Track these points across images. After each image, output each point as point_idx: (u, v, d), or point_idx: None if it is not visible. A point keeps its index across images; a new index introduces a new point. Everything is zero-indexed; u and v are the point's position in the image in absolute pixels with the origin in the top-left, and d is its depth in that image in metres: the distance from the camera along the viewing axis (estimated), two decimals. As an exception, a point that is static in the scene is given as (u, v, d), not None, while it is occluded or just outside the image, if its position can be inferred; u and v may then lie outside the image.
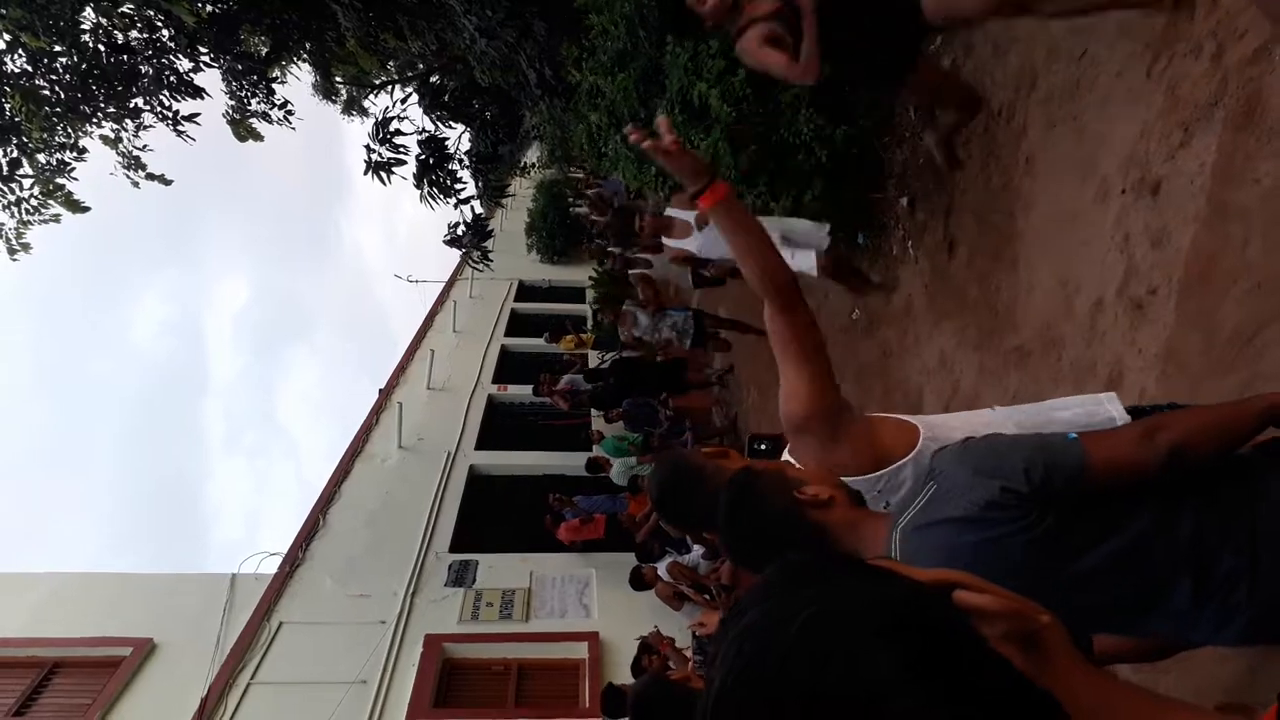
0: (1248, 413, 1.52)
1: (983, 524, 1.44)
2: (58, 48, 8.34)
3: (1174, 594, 1.44)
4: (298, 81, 13.09)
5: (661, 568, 8.02)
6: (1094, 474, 1.43)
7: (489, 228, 11.65)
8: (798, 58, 3.45)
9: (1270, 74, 2.80)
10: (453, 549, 9.65)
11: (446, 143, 11.06)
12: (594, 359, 13.44)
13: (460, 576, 9.10)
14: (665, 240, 6.32)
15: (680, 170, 1.93)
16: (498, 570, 9.18)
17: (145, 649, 7.96)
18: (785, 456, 2.04)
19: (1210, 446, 1.47)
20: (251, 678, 7.75)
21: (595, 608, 8.68)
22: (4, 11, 7.42)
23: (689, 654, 6.85)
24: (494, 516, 10.63)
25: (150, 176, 9.76)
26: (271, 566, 9.17)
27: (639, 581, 7.96)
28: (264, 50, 10.65)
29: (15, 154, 8.71)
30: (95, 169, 9.71)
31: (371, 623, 8.42)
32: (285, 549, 9.46)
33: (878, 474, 1.91)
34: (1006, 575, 1.42)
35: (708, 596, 7.78)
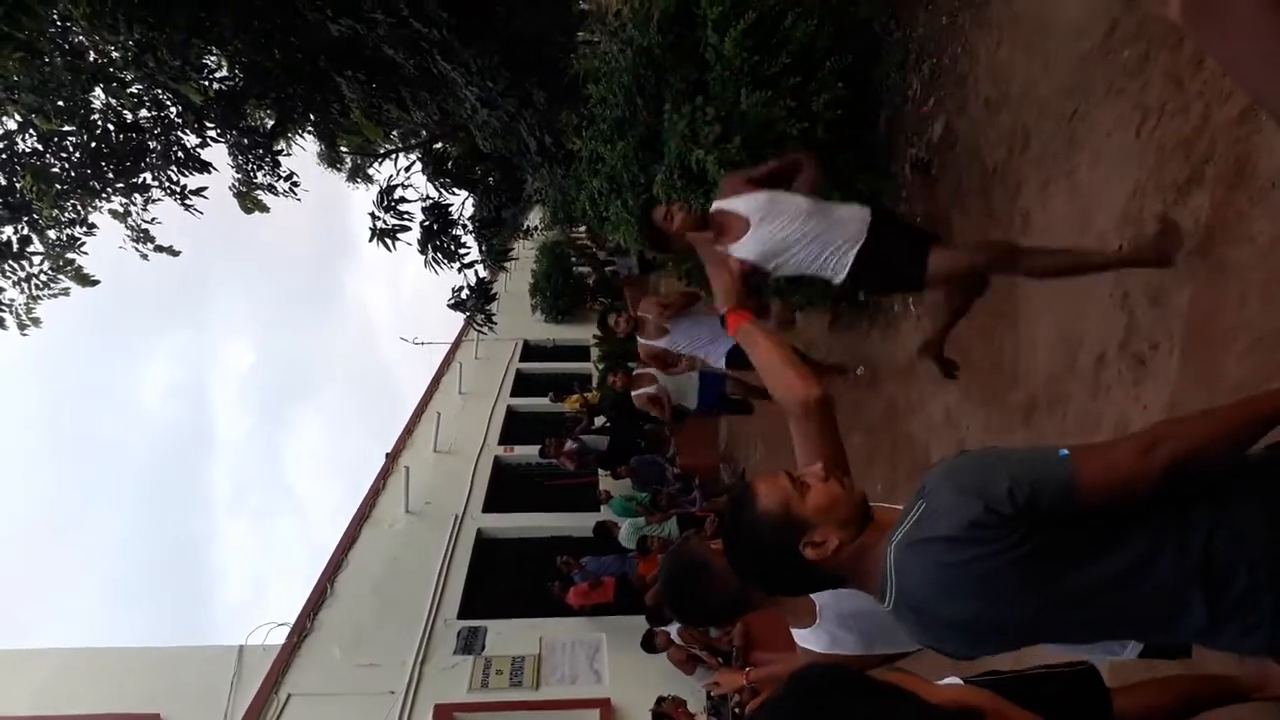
0: (1257, 414, 1.43)
1: (968, 544, 1.41)
2: (68, 128, 8.52)
3: (1188, 614, 1.39)
4: (303, 151, 13.31)
5: (673, 630, 7.93)
6: (1084, 494, 1.38)
7: (492, 290, 11.75)
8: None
9: (1258, 134, 2.85)
10: (461, 615, 9.55)
11: (450, 208, 11.21)
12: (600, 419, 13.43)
13: (469, 644, 8.99)
14: (639, 339, 6.57)
15: (722, 288, 2.13)
16: (507, 636, 9.07)
17: (151, 725, 7.86)
18: None
19: (1215, 456, 1.40)
20: (259, 753, 7.63)
21: (606, 673, 8.56)
22: (16, 96, 7.60)
23: (703, 717, 6.74)
24: (502, 581, 10.53)
25: (159, 249, 9.89)
26: (279, 637, 9.09)
27: (651, 645, 7.87)
28: (269, 123, 10.86)
29: (26, 231, 8.84)
30: (104, 242, 9.86)
31: (380, 693, 8.31)
32: (292, 618, 9.37)
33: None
34: (996, 594, 1.44)
35: (720, 659, 7.68)
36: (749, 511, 1.67)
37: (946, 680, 2.49)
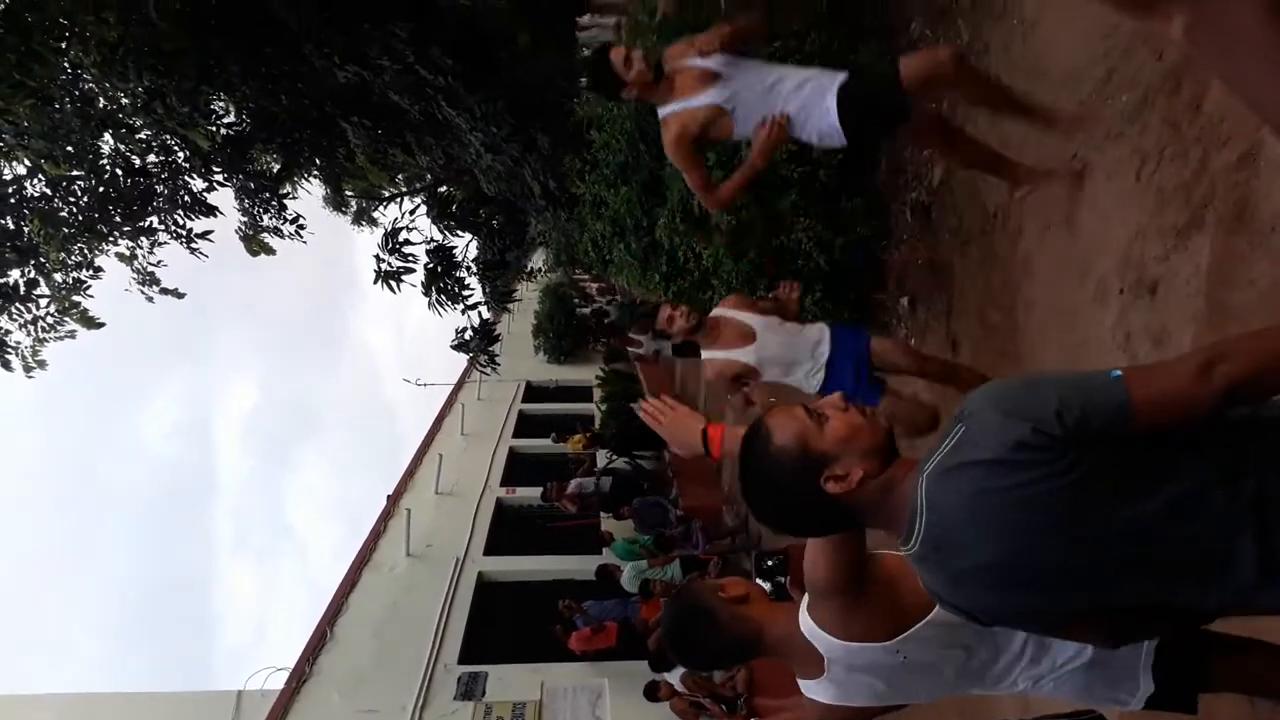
0: None
1: (1012, 466, 1.32)
2: (76, 172, 8.62)
3: (1236, 565, 1.30)
4: (308, 195, 13.46)
5: (676, 678, 7.83)
6: (1138, 416, 1.28)
7: (495, 332, 11.79)
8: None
9: (1256, 179, 2.87)
10: (461, 660, 9.45)
11: (454, 250, 11.30)
12: (601, 458, 13.41)
13: (470, 689, 8.88)
14: (705, 352, 6.60)
15: (675, 439, 2.06)
16: (508, 682, 8.97)
17: (148, 773, 7.75)
18: (803, 610, 2.02)
19: (1277, 380, 1.29)
20: (257, 801, 7.52)
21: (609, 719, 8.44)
22: (26, 142, 7.70)
23: None
24: (503, 625, 10.44)
25: (164, 291, 9.96)
26: (278, 682, 9.00)
27: (654, 695, 7.77)
28: (275, 168, 10.98)
29: (33, 274, 8.91)
30: (110, 284, 9.92)
31: (380, 740, 8.21)
32: (292, 663, 9.28)
33: (896, 640, 1.91)
34: (1041, 523, 1.34)
35: (723, 707, 7.57)
36: (763, 449, 1.58)
37: None
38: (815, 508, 1.56)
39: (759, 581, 3.46)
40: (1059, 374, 1.45)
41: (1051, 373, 1.48)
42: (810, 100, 3.45)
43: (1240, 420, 1.35)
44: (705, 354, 4.03)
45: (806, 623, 1.99)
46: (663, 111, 3.60)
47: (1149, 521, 1.32)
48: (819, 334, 4.05)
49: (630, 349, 8.86)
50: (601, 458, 13.39)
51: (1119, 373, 1.32)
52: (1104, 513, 1.33)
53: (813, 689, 2.04)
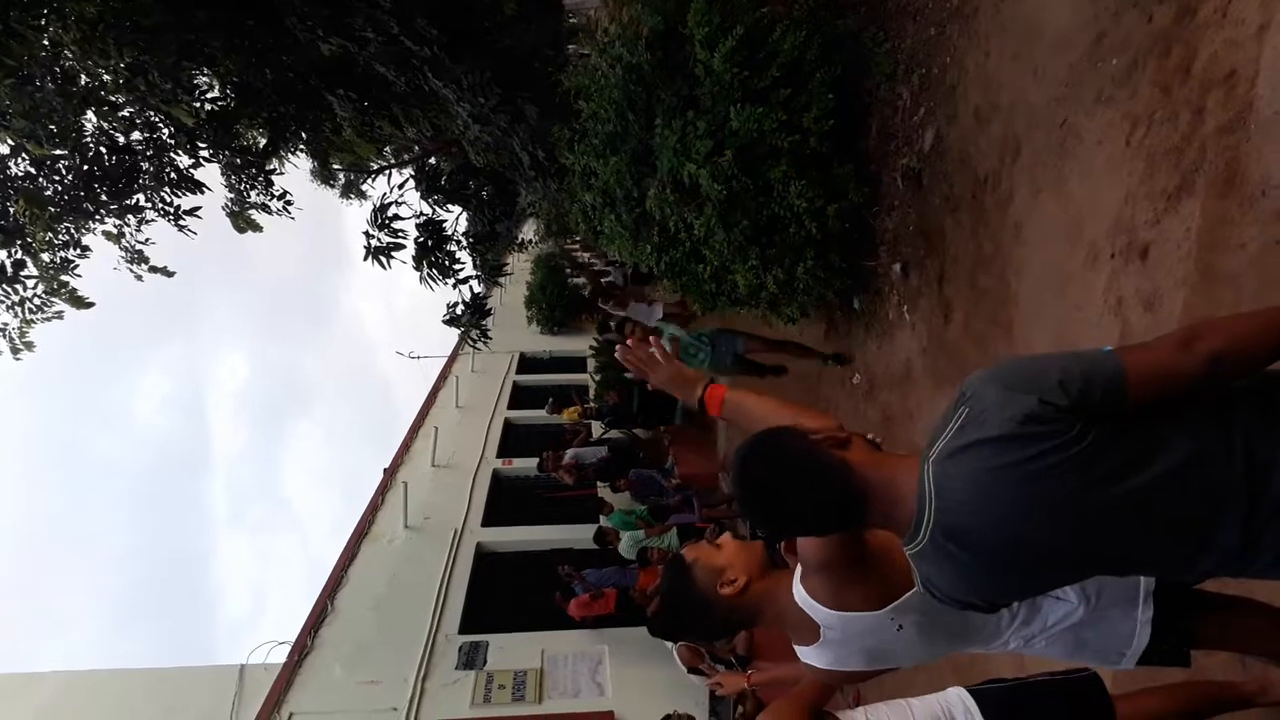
0: None
1: (1022, 441, 1.34)
2: (60, 151, 8.52)
3: (1223, 532, 1.35)
4: (295, 169, 13.34)
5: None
6: (1133, 383, 1.34)
7: (487, 306, 11.75)
8: None
9: (1246, 142, 2.88)
10: (462, 630, 9.53)
11: (444, 224, 11.23)
12: (597, 429, 13.45)
13: (471, 659, 8.97)
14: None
15: (672, 385, 2.05)
16: (508, 651, 9.05)
17: (154, 749, 7.84)
18: (796, 580, 2.04)
19: (1253, 353, 1.36)
20: (263, 774, 7.61)
21: (609, 686, 8.55)
22: (8, 122, 7.60)
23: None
24: (503, 595, 10.53)
25: (153, 269, 9.88)
26: (280, 656, 9.06)
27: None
28: (262, 143, 10.87)
29: (19, 255, 8.82)
30: (98, 262, 9.84)
31: (383, 710, 8.29)
32: (293, 637, 9.35)
33: (889, 608, 1.94)
34: (1054, 495, 1.36)
35: (721, 668, 7.65)
36: (764, 440, 1.64)
37: (950, 691, 2.50)
38: (818, 476, 1.56)
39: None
40: (1053, 353, 1.48)
41: (1045, 353, 1.52)
42: None
43: (1232, 394, 1.39)
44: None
45: (800, 593, 2.01)
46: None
47: (1149, 491, 1.35)
48: None
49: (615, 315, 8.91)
50: (597, 428, 13.43)
51: (1110, 348, 1.39)
52: (1110, 484, 1.35)
53: (809, 654, 2.07)
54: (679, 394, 2.05)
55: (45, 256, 9.09)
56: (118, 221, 9.53)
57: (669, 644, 7.88)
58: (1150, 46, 3.39)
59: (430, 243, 10.73)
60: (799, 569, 2.04)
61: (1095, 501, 1.36)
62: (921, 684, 2.61)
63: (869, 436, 1.67)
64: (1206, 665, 2.66)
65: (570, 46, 9.84)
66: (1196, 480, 1.35)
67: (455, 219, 11.94)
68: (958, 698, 2.43)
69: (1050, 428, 1.32)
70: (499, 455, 14.45)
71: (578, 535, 11.18)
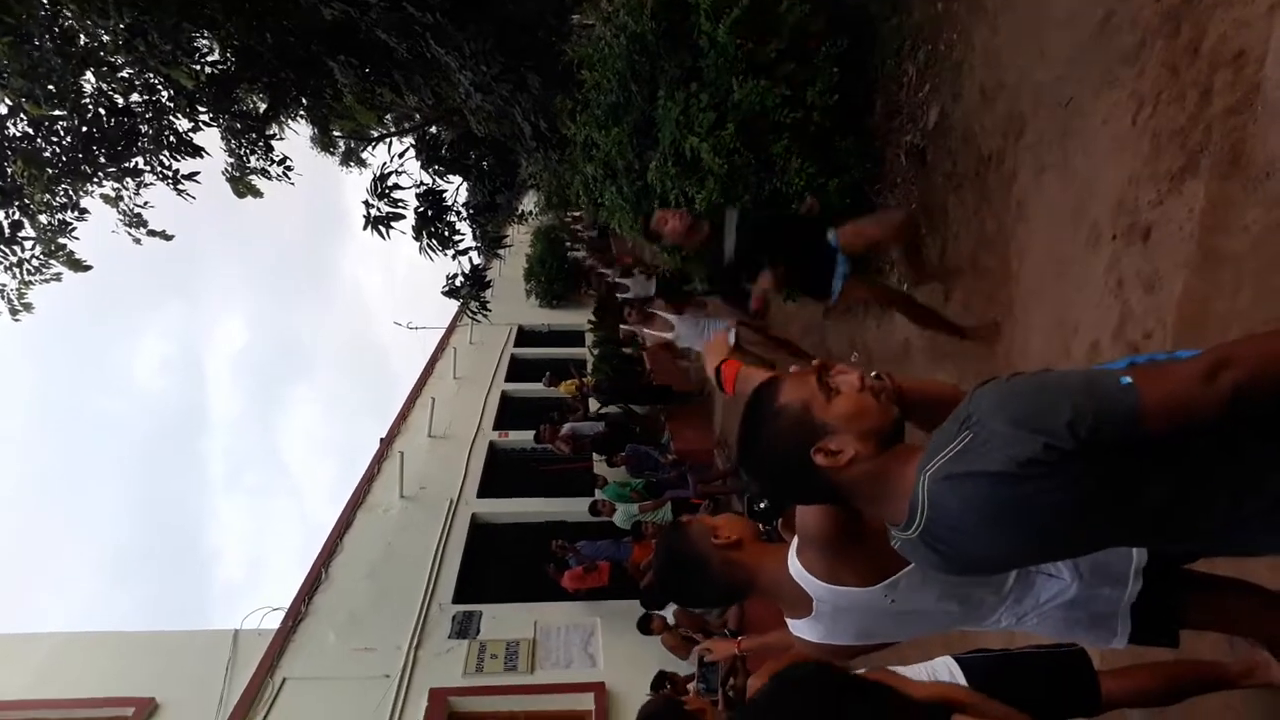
0: None
1: (1019, 480, 1.31)
2: (58, 112, 8.46)
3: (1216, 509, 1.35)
4: (296, 135, 13.25)
5: (668, 612, 7.96)
6: (1149, 422, 1.27)
7: (487, 277, 11.73)
8: None
9: (1253, 123, 2.85)
10: (456, 600, 9.56)
11: (444, 194, 11.18)
12: (593, 404, 13.48)
13: (464, 628, 9.01)
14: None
15: (710, 350, 2.11)
16: (501, 621, 9.09)
17: (148, 709, 7.87)
18: (792, 553, 2.04)
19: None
20: (255, 736, 7.66)
21: (601, 658, 8.59)
22: (6, 81, 7.54)
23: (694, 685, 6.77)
24: (497, 566, 10.55)
25: (151, 233, 9.85)
26: (274, 621, 9.09)
27: (646, 628, 7.90)
28: (262, 108, 10.79)
29: (17, 216, 8.79)
30: (97, 226, 9.81)
31: (375, 677, 8.33)
32: (287, 603, 9.39)
33: (883, 584, 1.94)
34: (1045, 529, 1.37)
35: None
36: (767, 405, 1.59)
37: (938, 660, 2.51)
38: (802, 474, 1.56)
39: (750, 521, 3.52)
40: (1066, 377, 1.43)
41: (1058, 375, 1.47)
42: None
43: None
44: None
45: (795, 566, 2.01)
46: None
47: (1154, 512, 1.36)
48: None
49: (620, 296, 8.88)
50: (594, 404, 13.48)
51: (1129, 380, 1.31)
52: (1105, 515, 1.36)
53: (800, 628, 2.07)
54: (705, 357, 2.14)
55: (43, 218, 9.07)
56: (116, 185, 9.50)
57: (665, 613, 7.94)
58: (1159, 26, 3.36)
59: (430, 213, 10.69)
60: (795, 541, 2.04)
61: (1087, 530, 1.38)
62: (914, 659, 2.62)
63: (852, 359, 1.68)
64: (1196, 647, 2.67)
65: (574, 17, 9.75)
66: (1198, 490, 1.35)
67: (455, 189, 11.90)
68: (944, 665, 2.44)
69: (1049, 469, 1.30)
70: (495, 427, 14.45)
71: (573, 508, 11.20)
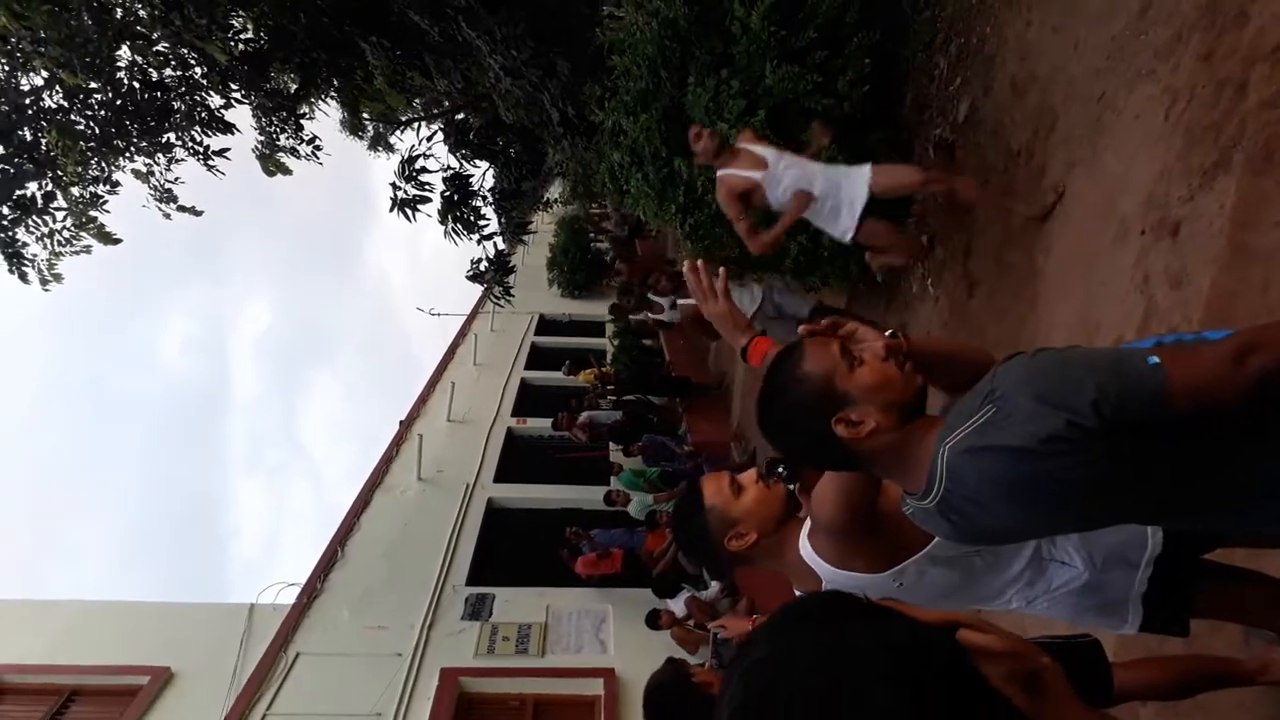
0: None
1: (1041, 456, 1.30)
2: (93, 84, 8.55)
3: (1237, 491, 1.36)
4: (325, 117, 13.35)
5: (679, 603, 7.98)
6: (1175, 402, 1.26)
7: (511, 264, 11.77)
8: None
9: (1288, 118, 2.82)
10: (469, 582, 9.63)
11: (470, 179, 11.22)
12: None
13: (477, 610, 9.07)
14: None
15: (724, 324, 2.03)
16: (514, 604, 9.14)
17: (163, 678, 7.98)
18: (804, 535, 2.05)
19: None
20: (268, 709, 7.74)
21: (611, 644, 8.62)
22: (43, 50, 7.64)
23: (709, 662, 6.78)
24: (511, 550, 10.61)
25: (181, 209, 9.94)
26: (289, 597, 9.19)
27: (654, 623, 7.92)
28: (293, 87, 10.87)
29: (50, 187, 8.90)
30: (127, 200, 9.93)
31: (388, 655, 8.40)
32: (303, 579, 9.48)
33: (892, 571, 1.96)
34: (1062, 504, 1.38)
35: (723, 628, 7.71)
36: (790, 369, 1.58)
37: None
38: (820, 441, 1.55)
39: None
40: (1093, 355, 1.43)
41: (1085, 353, 1.46)
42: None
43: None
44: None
45: (805, 547, 2.02)
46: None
47: (1166, 499, 1.38)
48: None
49: (651, 315, 8.76)
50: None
51: (1156, 359, 1.30)
52: (1123, 493, 1.36)
53: None
54: (725, 334, 2.05)
55: (75, 190, 9.17)
56: (148, 160, 9.59)
57: (674, 606, 7.96)
58: (1196, 19, 3.33)
59: (456, 197, 10.74)
60: (808, 523, 2.05)
61: (1105, 508, 1.39)
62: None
63: (888, 332, 1.64)
64: (1211, 643, 2.66)
65: (605, 6, 9.75)
66: (1222, 468, 1.35)
67: (482, 175, 11.93)
68: None
69: (1071, 446, 1.29)
70: (514, 413, 14.52)
71: (588, 496, 11.24)
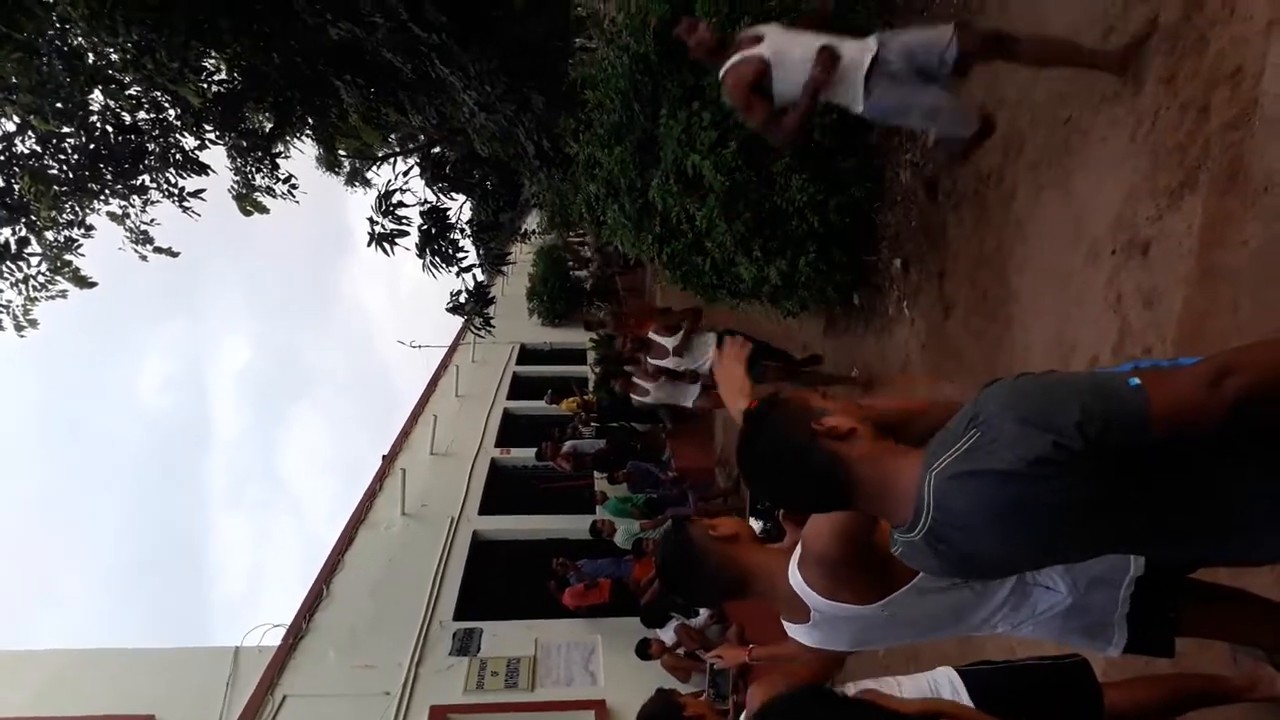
0: None
1: (1027, 480, 1.31)
2: (66, 129, 8.53)
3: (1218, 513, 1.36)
4: (301, 154, 13.35)
5: (669, 631, 7.94)
6: (1157, 423, 1.27)
7: (490, 294, 11.78)
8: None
9: (1250, 139, 2.88)
10: (457, 617, 9.53)
11: (448, 212, 11.25)
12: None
13: (464, 645, 8.98)
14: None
15: (730, 385, 2.15)
16: (502, 638, 9.06)
17: (147, 727, 7.85)
18: (794, 564, 2.06)
19: None
20: (255, 754, 7.63)
21: (602, 675, 8.56)
22: (14, 97, 7.62)
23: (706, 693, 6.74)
24: (498, 583, 10.53)
25: (158, 250, 9.92)
26: (275, 638, 9.07)
27: (645, 653, 7.87)
28: (268, 126, 10.88)
29: (24, 233, 8.85)
30: (103, 243, 9.89)
31: (376, 694, 8.30)
32: (288, 620, 9.37)
33: (881, 603, 1.96)
34: (1052, 529, 1.38)
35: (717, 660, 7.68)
36: (765, 410, 1.65)
37: (939, 670, 2.51)
38: (802, 460, 1.57)
39: (752, 520, 3.50)
40: (1074, 378, 1.45)
41: (1066, 376, 1.48)
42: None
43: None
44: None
45: (795, 577, 2.03)
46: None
47: (1151, 521, 1.39)
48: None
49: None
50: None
51: (1137, 381, 1.31)
52: (1110, 516, 1.37)
53: (798, 632, 2.10)
54: (728, 397, 2.16)
55: (49, 235, 9.13)
56: (123, 202, 9.57)
57: (664, 635, 7.92)
58: (1158, 43, 3.39)
59: (434, 230, 10.75)
60: (798, 552, 2.05)
61: (1092, 533, 1.40)
62: (928, 657, 2.63)
63: (852, 374, 1.71)
64: (1199, 661, 2.67)
65: (578, 40, 9.84)
66: (1207, 493, 1.36)
67: (459, 207, 11.97)
68: (945, 676, 2.44)
69: (1057, 469, 1.30)
70: (497, 444, 14.45)
71: (574, 525, 11.18)
